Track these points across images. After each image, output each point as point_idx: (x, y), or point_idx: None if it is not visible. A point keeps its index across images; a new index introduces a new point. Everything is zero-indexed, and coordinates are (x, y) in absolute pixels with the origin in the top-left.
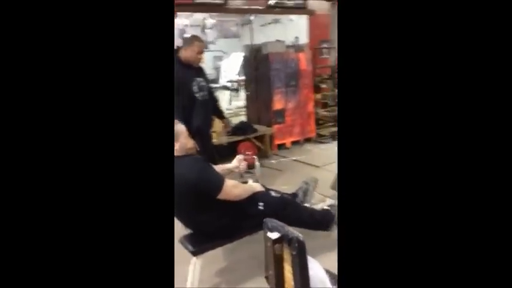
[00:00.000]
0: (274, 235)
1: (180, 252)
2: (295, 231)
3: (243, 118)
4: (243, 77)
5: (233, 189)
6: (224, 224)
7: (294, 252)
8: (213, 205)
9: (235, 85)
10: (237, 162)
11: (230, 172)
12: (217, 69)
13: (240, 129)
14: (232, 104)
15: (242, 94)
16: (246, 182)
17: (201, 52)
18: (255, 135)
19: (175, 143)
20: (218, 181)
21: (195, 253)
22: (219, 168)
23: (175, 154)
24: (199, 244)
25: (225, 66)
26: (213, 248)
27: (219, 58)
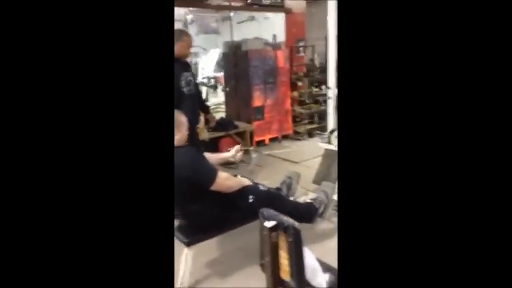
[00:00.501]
0: (270, 223)
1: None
2: (290, 220)
3: (221, 115)
4: (220, 74)
5: (225, 181)
6: (216, 215)
7: (290, 239)
8: (206, 196)
9: (213, 82)
10: (235, 151)
11: (225, 161)
12: (194, 65)
13: (221, 125)
14: (210, 101)
15: (219, 91)
16: (235, 176)
17: (189, 47)
18: (235, 132)
19: (177, 134)
20: (211, 173)
21: (188, 244)
22: (217, 156)
23: (175, 144)
24: (192, 235)
25: (203, 62)
26: (205, 239)
27: (196, 54)
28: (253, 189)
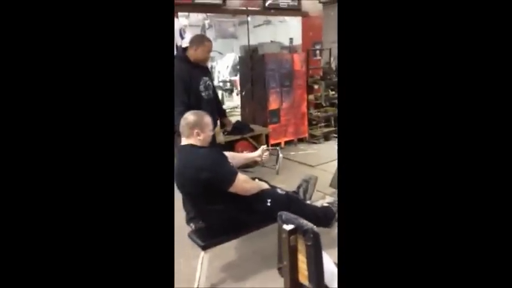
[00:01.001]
0: (289, 227)
1: (185, 247)
2: (309, 223)
3: (236, 119)
4: (236, 77)
5: (244, 183)
6: (233, 217)
7: (309, 243)
8: (224, 197)
9: (229, 85)
10: (261, 151)
11: (251, 161)
12: (211, 69)
13: (237, 128)
14: (226, 105)
15: (234, 94)
16: (254, 179)
17: (210, 51)
18: (251, 135)
19: (201, 134)
20: (231, 174)
21: (204, 247)
22: (243, 156)
23: (199, 144)
24: (209, 238)
25: (220, 66)
26: (221, 242)
27: (212, 58)
28: (271, 192)
